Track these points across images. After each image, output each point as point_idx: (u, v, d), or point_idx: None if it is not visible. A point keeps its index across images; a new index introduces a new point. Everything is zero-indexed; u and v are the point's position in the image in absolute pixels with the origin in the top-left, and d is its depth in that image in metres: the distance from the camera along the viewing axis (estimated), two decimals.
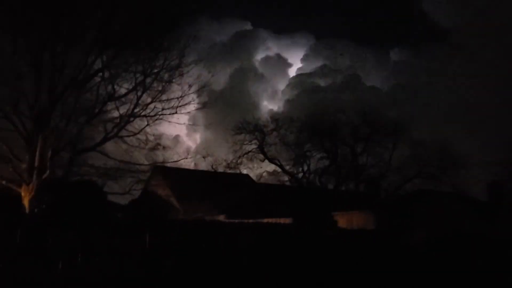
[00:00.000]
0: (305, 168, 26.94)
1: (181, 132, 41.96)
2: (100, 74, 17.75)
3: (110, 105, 18.08)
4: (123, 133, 18.15)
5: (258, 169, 27.45)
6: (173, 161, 20.01)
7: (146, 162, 19.27)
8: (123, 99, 18.12)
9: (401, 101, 48.05)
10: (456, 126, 39.33)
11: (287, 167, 26.85)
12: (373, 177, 26.48)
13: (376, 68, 55.21)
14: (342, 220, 20.81)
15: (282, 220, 18.86)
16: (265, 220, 18.61)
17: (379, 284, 12.31)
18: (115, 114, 18.26)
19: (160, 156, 19.39)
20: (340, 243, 14.52)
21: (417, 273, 12.63)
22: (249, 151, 26.90)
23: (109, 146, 18.49)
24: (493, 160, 24.27)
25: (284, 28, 67.64)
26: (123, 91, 18.14)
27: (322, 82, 51.48)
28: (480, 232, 17.86)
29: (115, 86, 17.93)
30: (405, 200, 23.33)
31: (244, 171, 28.69)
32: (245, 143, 26.90)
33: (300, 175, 26.79)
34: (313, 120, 26.64)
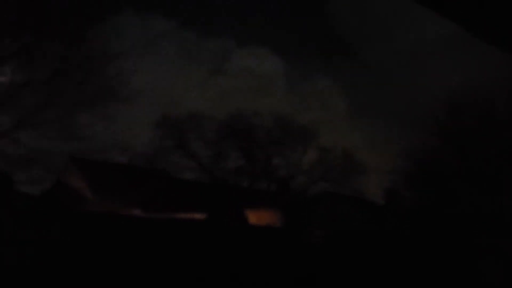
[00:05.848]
0: (222, 166, 28.00)
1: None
2: (16, 58, 17.25)
3: (25, 91, 17.65)
4: (38, 120, 17.80)
5: (178, 164, 27.99)
6: (90, 153, 19.92)
7: (61, 152, 19.04)
8: (38, 85, 17.76)
9: (313, 108, 50.90)
10: (361, 134, 42.83)
11: (205, 164, 27.72)
12: (283, 178, 28.28)
13: (290, 75, 57.77)
14: (253, 217, 22.14)
15: (197, 216, 19.66)
16: (181, 215, 19.29)
17: (282, 273, 13.83)
18: (31, 100, 17.85)
19: (77, 146, 19.25)
20: (249, 238, 15.71)
21: (310, 264, 14.39)
22: (169, 147, 27.32)
23: (22, 133, 18.03)
24: (391, 168, 26.97)
25: (210, 30, 66.48)
26: (40, 77, 17.79)
27: (242, 84, 53.00)
28: (372, 231, 20.26)
29: (31, 72, 17.54)
30: (310, 201, 25.37)
31: (164, 166, 28.93)
32: (164, 138, 27.26)
33: (217, 172, 27.78)
34: (231, 120, 27.77)
